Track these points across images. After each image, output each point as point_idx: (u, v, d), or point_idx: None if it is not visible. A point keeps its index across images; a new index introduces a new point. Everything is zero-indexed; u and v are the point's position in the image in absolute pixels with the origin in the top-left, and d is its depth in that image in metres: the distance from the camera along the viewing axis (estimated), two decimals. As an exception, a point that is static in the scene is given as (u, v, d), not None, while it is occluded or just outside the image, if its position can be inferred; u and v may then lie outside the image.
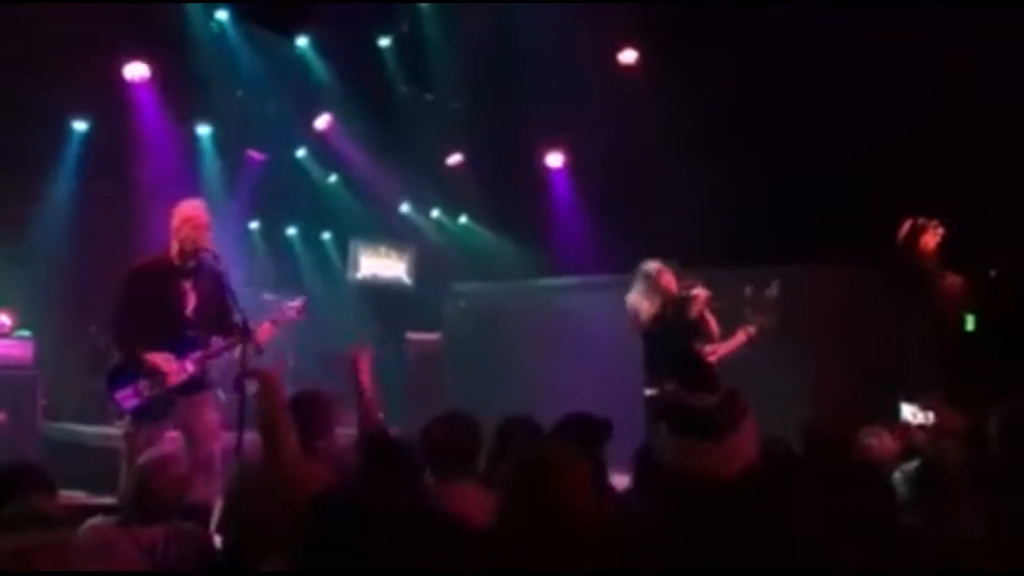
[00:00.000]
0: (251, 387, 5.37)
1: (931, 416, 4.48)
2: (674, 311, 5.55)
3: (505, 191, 9.14)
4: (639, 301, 5.57)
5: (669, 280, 5.58)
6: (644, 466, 3.01)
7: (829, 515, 2.21)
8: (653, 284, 5.56)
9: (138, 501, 2.98)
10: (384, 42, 8.78)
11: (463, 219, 10.55)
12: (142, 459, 3.15)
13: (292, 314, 5.09)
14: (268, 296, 7.76)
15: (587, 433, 3.25)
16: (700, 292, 5.55)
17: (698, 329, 5.57)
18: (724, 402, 1.90)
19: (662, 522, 1.88)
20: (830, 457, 2.87)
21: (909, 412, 5.51)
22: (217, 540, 3.26)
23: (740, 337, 5.65)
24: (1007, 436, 2.72)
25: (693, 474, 1.87)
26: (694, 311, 5.53)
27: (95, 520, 2.96)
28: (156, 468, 3.04)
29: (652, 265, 5.64)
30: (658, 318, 5.51)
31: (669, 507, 1.90)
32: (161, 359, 4.68)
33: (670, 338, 5.48)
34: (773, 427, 2.29)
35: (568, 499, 1.93)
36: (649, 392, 5.40)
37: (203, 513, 3.69)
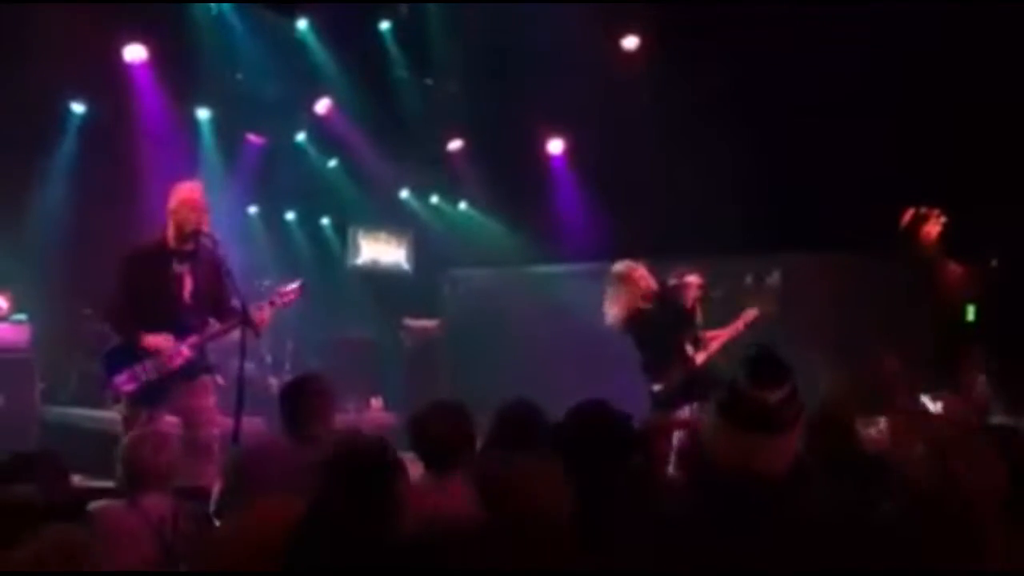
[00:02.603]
0: (248, 368, 5.38)
1: (940, 406, 4.48)
2: (663, 304, 5.52)
3: (505, 177, 9.11)
4: (607, 305, 5.55)
5: (639, 276, 5.51)
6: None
7: (834, 504, 2.20)
8: (615, 286, 5.52)
9: (132, 474, 2.99)
10: (384, 25, 8.72)
11: (463, 205, 10.52)
12: (124, 438, 3.16)
13: (291, 296, 5.06)
14: (266, 281, 7.74)
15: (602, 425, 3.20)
16: (693, 279, 5.53)
17: (691, 317, 5.55)
18: (789, 397, 1.86)
19: (710, 516, 1.84)
20: (834, 447, 2.85)
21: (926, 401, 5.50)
22: (216, 524, 3.26)
23: (741, 322, 5.64)
24: None
25: (749, 469, 1.82)
26: (689, 298, 5.50)
27: (101, 503, 2.96)
28: (144, 440, 3.07)
29: (617, 266, 5.58)
30: (633, 318, 5.46)
31: (718, 502, 1.86)
32: (159, 340, 4.66)
33: (663, 330, 5.46)
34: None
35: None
36: (656, 388, 5.37)
37: (202, 496, 3.69)
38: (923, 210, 4.01)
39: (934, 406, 5.05)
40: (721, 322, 5.77)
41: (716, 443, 1.91)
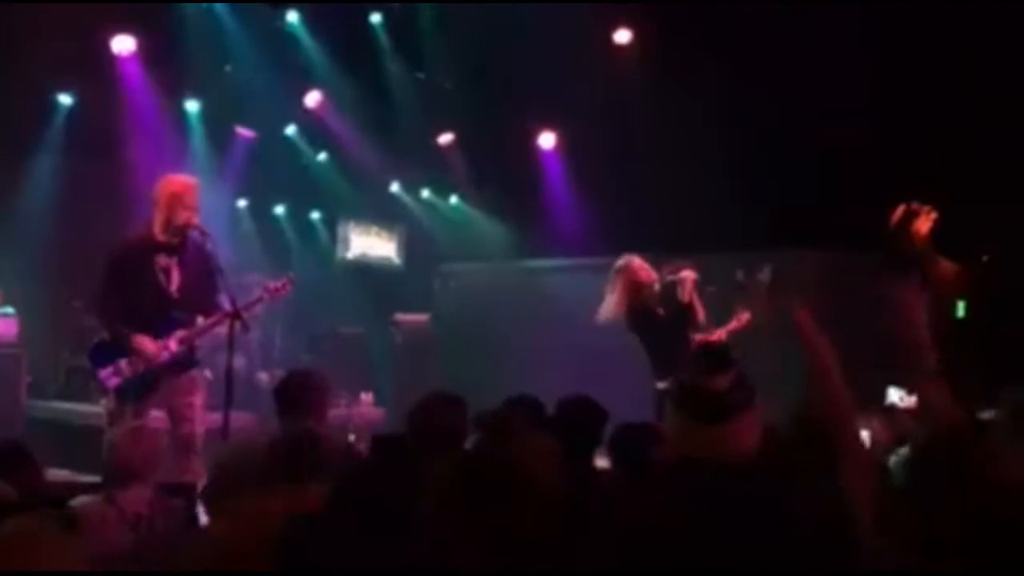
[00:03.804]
0: (238, 363, 5.36)
1: (915, 399, 4.50)
2: (663, 300, 5.51)
3: (496, 171, 9.10)
4: (604, 296, 5.54)
5: (638, 268, 5.51)
6: (622, 450, 3.00)
7: (823, 503, 2.19)
8: (615, 279, 5.52)
9: (113, 469, 3.00)
10: (375, 18, 8.69)
11: (453, 199, 10.49)
12: (112, 431, 3.17)
13: (280, 291, 5.03)
14: (254, 276, 7.70)
15: (587, 418, 3.23)
16: (688, 274, 5.52)
17: (689, 313, 5.54)
18: (735, 382, 1.91)
19: (669, 508, 1.87)
20: (824, 445, 2.85)
21: (896, 396, 5.54)
22: (204, 519, 3.25)
23: (736, 322, 5.63)
24: (1017, 423, 2.72)
25: (704, 458, 1.87)
26: (684, 294, 5.50)
27: (81, 499, 2.97)
28: (126, 435, 3.09)
29: (619, 261, 5.59)
30: (636, 313, 5.46)
31: (678, 493, 1.89)
32: (144, 342, 4.61)
33: (666, 327, 5.45)
34: (765, 413, 2.28)
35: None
36: (661, 385, 5.36)
37: (186, 492, 3.67)
38: (914, 206, 4.01)
39: (910, 400, 5.09)
40: (714, 317, 5.76)
41: (676, 436, 1.98)
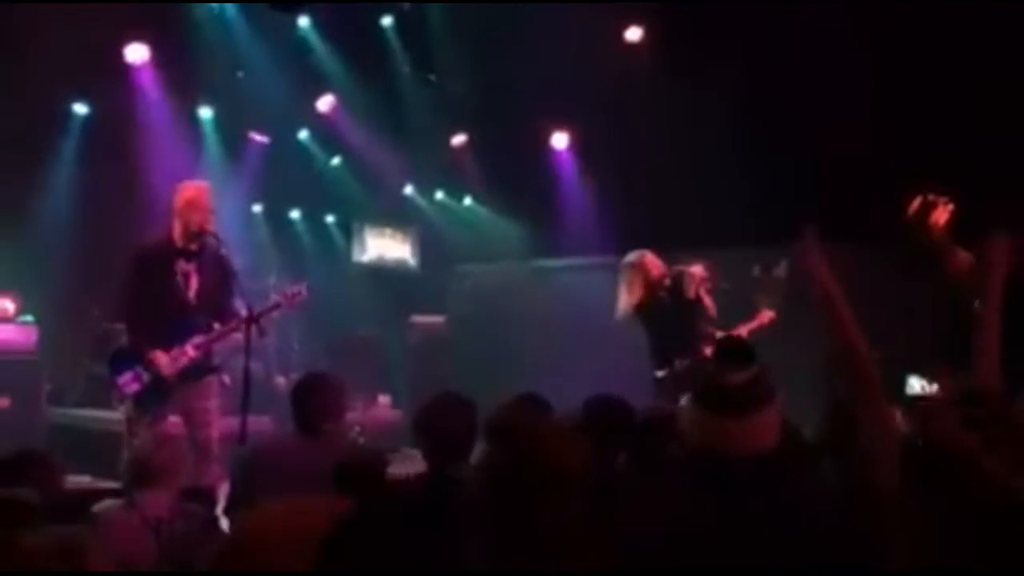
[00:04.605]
0: (255, 367, 5.37)
1: (935, 388, 4.47)
2: (669, 291, 5.52)
3: (509, 172, 9.08)
4: (619, 294, 5.55)
5: (650, 263, 5.52)
6: (638, 443, 3.00)
7: (853, 496, 2.18)
8: (630, 274, 5.52)
9: (135, 473, 3.03)
10: (386, 21, 8.71)
11: (467, 200, 10.50)
12: (136, 441, 3.19)
13: (296, 299, 5.05)
14: (270, 281, 7.74)
15: (614, 417, 3.22)
16: (696, 269, 5.54)
17: (697, 308, 5.54)
18: (756, 378, 1.92)
19: (687, 501, 1.88)
20: (843, 436, 2.83)
21: (918, 385, 5.51)
22: (224, 523, 3.26)
23: (759, 320, 5.63)
24: None
25: (721, 452, 1.88)
26: (691, 289, 5.51)
27: (102, 504, 3.00)
28: (147, 441, 3.11)
29: (629, 256, 5.60)
30: (644, 305, 5.47)
31: (693, 486, 1.90)
32: (158, 357, 4.64)
33: (670, 318, 5.46)
34: (782, 408, 2.27)
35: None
36: (660, 374, 5.37)
37: (204, 496, 3.69)
38: (932, 197, 3.98)
39: (930, 389, 5.05)
40: (730, 314, 5.76)
41: (691, 429, 1.99)
